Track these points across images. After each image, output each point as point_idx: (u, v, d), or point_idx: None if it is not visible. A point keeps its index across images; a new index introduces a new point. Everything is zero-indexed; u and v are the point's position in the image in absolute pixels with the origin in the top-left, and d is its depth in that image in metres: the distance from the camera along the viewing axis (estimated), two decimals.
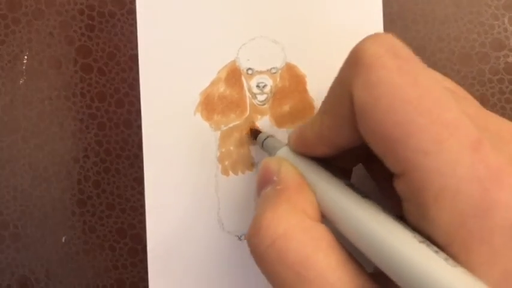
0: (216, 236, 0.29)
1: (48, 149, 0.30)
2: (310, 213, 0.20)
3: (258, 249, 0.19)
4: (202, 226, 0.29)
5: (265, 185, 0.22)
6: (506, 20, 0.29)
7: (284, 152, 0.23)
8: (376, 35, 0.19)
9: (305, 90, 0.29)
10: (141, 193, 0.30)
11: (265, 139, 0.27)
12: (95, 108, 0.30)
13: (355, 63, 0.18)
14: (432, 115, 0.16)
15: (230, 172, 0.29)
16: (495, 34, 0.29)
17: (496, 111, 0.29)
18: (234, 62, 0.29)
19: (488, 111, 0.20)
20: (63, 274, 0.30)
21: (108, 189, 0.30)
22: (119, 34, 0.30)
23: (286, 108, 0.29)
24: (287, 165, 0.22)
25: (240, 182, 0.29)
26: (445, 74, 0.29)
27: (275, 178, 0.21)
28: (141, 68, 0.29)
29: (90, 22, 0.30)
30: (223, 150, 0.29)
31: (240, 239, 0.29)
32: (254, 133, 0.28)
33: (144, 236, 0.30)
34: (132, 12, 0.30)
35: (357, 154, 0.22)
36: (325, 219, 0.20)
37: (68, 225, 0.30)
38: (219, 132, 0.29)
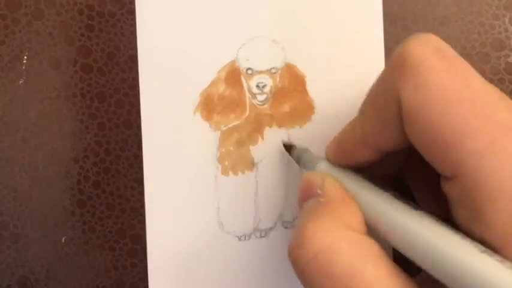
0: (215, 236, 0.29)
1: (48, 149, 0.30)
2: (354, 226, 0.20)
3: (301, 261, 0.19)
4: (202, 226, 0.29)
5: (307, 198, 0.22)
6: (506, 20, 0.29)
7: (324, 166, 0.23)
8: (419, 35, 0.19)
9: (305, 90, 0.29)
10: (141, 193, 0.30)
11: (301, 154, 0.26)
12: (95, 109, 0.30)
13: (401, 66, 0.18)
14: (485, 116, 0.16)
15: (230, 172, 0.29)
16: (496, 34, 0.29)
17: None
18: (233, 62, 0.29)
19: None
20: (63, 274, 0.30)
21: (108, 190, 0.30)
22: (118, 34, 0.30)
23: (286, 108, 0.29)
24: (330, 178, 0.22)
25: (240, 182, 0.29)
26: None
27: (319, 191, 0.21)
28: (140, 68, 0.29)
29: (90, 22, 0.30)
30: (223, 150, 0.29)
31: (239, 239, 0.29)
32: (288, 148, 0.28)
33: (143, 236, 0.30)
34: (131, 13, 0.30)
35: (397, 159, 0.22)
36: (371, 232, 0.20)
37: (68, 226, 0.30)
38: (219, 133, 0.29)
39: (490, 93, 0.17)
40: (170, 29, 0.29)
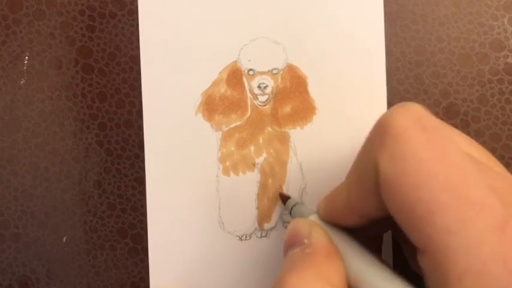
0: (216, 236, 0.29)
1: (49, 149, 0.30)
2: (335, 281, 0.19)
3: None
4: (203, 226, 0.29)
5: (293, 245, 0.21)
6: (505, 21, 0.29)
7: (314, 219, 0.23)
8: (404, 105, 0.18)
9: (306, 91, 0.29)
10: (142, 193, 0.30)
11: (294, 205, 0.26)
12: (96, 109, 0.30)
13: (381, 134, 0.18)
14: (458, 192, 0.16)
15: (231, 172, 0.29)
16: (495, 35, 0.29)
17: (496, 112, 0.29)
18: (235, 62, 0.29)
19: None
20: (64, 274, 0.30)
21: (109, 189, 0.30)
22: (119, 35, 0.30)
23: (287, 109, 0.29)
24: (319, 229, 0.21)
25: (240, 182, 0.29)
26: (445, 74, 0.29)
27: (305, 241, 0.21)
28: (142, 69, 0.29)
29: (91, 23, 0.30)
30: (224, 150, 0.29)
31: (240, 239, 0.29)
32: (283, 198, 0.28)
33: (144, 235, 0.30)
34: (132, 13, 0.30)
35: (387, 221, 0.22)
36: None
37: (69, 225, 0.30)
38: (220, 133, 0.29)
39: (466, 167, 0.17)
40: (172, 30, 0.29)
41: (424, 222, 0.16)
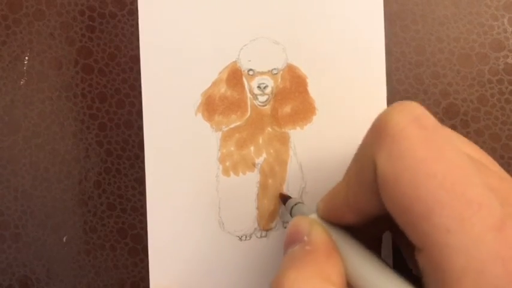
0: (216, 236, 0.29)
1: (49, 149, 0.30)
2: (335, 278, 0.19)
3: None
4: (203, 226, 0.29)
5: (293, 243, 0.21)
6: (505, 21, 0.29)
7: (314, 218, 0.23)
8: (401, 103, 0.18)
9: (306, 91, 0.29)
10: (142, 193, 0.30)
11: (294, 205, 0.26)
12: (96, 109, 0.30)
13: (379, 133, 0.18)
14: (456, 191, 0.16)
15: (231, 173, 0.29)
16: (495, 35, 0.29)
17: (496, 112, 0.29)
18: (235, 62, 0.29)
19: None
20: (64, 274, 0.30)
21: (109, 190, 0.30)
22: (119, 35, 0.30)
23: (287, 109, 0.29)
24: (319, 227, 0.21)
25: (240, 182, 0.29)
26: (445, 74, 0.29)
27: (305, 238, 0.21)
28: (142, 69, 0.29)
29: (91, 23, 0.30)
30: (224, 151, 0.29)
31: (240, 239, 0.29)
32: (283, 198, 0.28)
33: (144, 235, 0.30)
34: (132, 13, 0.30)
35: (386, 221, 0.22)
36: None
37: (69, 225, 0.30)
38: (220, 133, 0.29)
39: (464, 166, 0.17)
40: (172, 30, 0.29)
41: (422, 220, 0.16)
